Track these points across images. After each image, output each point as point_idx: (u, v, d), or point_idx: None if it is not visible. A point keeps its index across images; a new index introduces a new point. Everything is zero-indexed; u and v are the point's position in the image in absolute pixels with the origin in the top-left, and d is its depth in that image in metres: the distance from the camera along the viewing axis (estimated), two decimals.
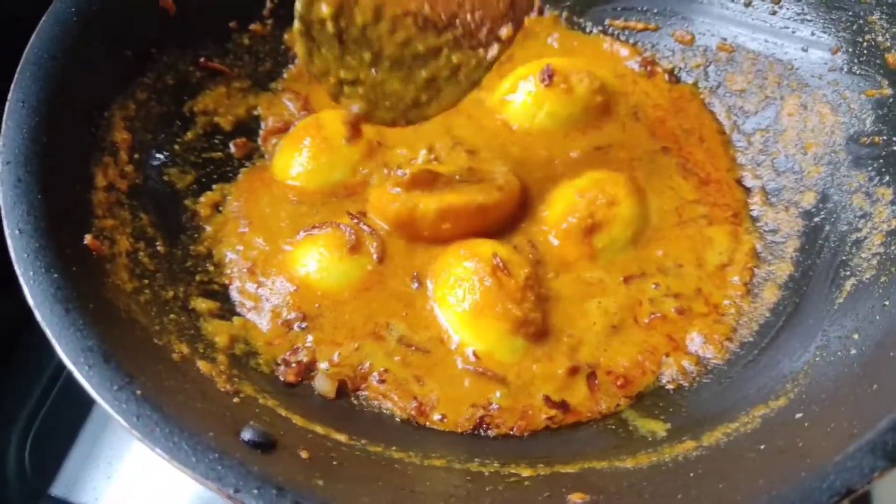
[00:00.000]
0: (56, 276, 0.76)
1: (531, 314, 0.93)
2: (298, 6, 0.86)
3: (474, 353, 0.92)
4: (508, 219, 1.03)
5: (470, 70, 0.91)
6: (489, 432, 0.88)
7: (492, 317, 0.92)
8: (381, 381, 0.91)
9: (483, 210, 0.99)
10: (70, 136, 0.91)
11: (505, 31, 0.90)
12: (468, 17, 0.88)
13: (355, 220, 1.01)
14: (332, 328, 0.95)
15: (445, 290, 0.95)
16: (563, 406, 0.89)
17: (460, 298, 0.94)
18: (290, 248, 1.01)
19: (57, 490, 1.02)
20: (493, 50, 0.91)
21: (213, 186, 1.07)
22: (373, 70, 0.89)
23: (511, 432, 0.88)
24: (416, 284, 0.98)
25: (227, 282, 0.99)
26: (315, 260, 0.98)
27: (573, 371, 0.92)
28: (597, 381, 0.92)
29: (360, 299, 0.97)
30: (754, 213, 1.06)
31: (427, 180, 1.00)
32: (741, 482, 0.69)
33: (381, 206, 1.01)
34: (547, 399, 0.90)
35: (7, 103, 0.86)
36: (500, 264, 0.93)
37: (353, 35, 0.88)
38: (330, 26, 0.87)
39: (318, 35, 0.87)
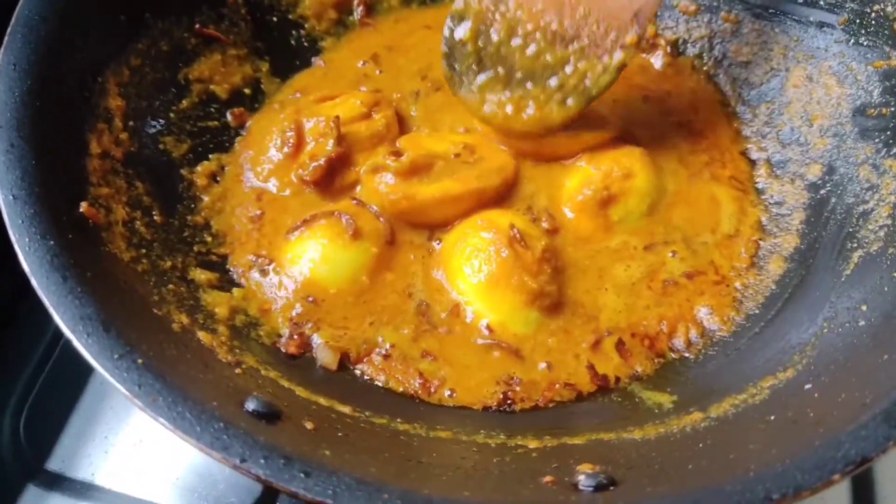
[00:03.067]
0: (52, 243, 0.74)
1: (547, 287, 0.92)
2: (445, 32, 0.98)
3: (488, 326, 0.91)
4: (506, 194, 1.02)
5: (596, 76, 0.97)
6: (514, 407, 0.87)
7: (507, 288, 0.91)
8: (386, 357, 0.90)
9: (481, 193, 0.99)
10: (63, 101, 0.88)
11: (629, 38, 0.95)
12: (594, 27, 0.94)
13: (359, 204, 0.99)
14: (341, 313, 0.93)
15: (461, 260, 0.94)
16: (604, 378, 0.89)
17: (476, 269, 0.92)
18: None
19: (53, 465, 1.01)
20: (618, 55, 0.95)
21: (210, 156, 1.05)
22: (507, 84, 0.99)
23: (537, 404, 0.87)
24: (437, 243, 0.98)
25: (227, 252, 0.97)
26: (318, 252, 0.94)
27: (596, 344, 0.91)
28: (626, 347, 0.91)
29: (375, 286, 0.95)
30: (759, 186, 1.05)
31: (425, 165, 0.99)
32: (752, 452, 0.68)
33: (378, 196, 0.99)
34: (591, 368, 0.89)
35: None
36: (518, 236, 0.92)
37: (490, 53, 0.98)
38: (470, 46, 0.98)
39: (458, 55, 0.99)
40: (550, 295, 0.92)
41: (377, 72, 1.16)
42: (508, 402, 0.87)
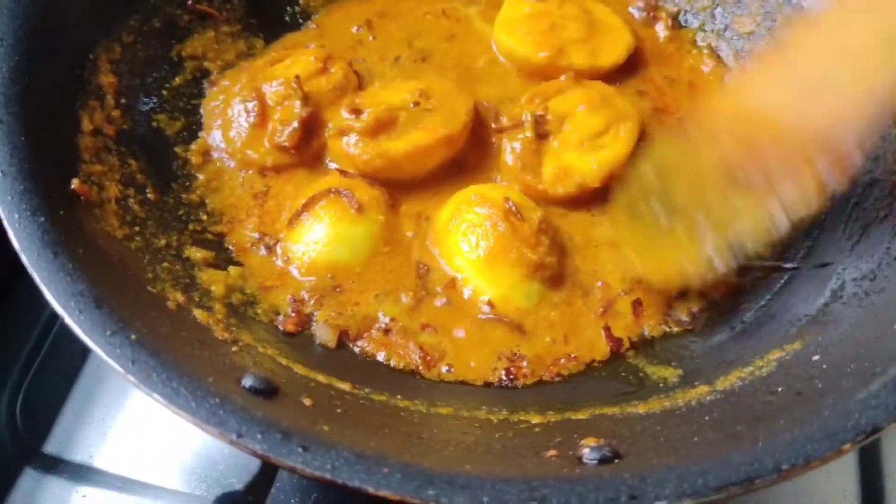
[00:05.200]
0: (43, 219, 0.72)
1: (547, 258, 0.90)
2: None
3: (489, 302, 0.90)
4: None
5: None
6: (516, 383, 0.86)
7: (507, 262, 0.89)
8: (386, 332, 0.88)
9: (449, 138, 0.98)
10: (53, 77, 0.86)
11: None
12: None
13: (348, 175, 0.97)
14: (362, 287, 0.92)
15: (458, 237, 0.92)
16: (618, 341, 0.89)
17: (474, 245, 0.90)
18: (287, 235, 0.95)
19: (50, 448, 0.99)
20: None
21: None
22: None
23: (541, 379, 0.86)
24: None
25: (223, 230, 0.96)
26: (330, 235, 0.91)
27: (607, 308, 0.91)
28: (641, 307, 0.91)
29: (390, 255, 0.94)
30: None
31: (389, 120, 0.98)
32: (760, 424, 0.66)
33: (350, 159, 0.98)
34: (607, 329, 0.89)
35: None
36: (513, 209, 0.91)
37: None
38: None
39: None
40: (551, 266, 0.91)
41: (370, 38, 1.15)
42: (510, 377, 0.86)
